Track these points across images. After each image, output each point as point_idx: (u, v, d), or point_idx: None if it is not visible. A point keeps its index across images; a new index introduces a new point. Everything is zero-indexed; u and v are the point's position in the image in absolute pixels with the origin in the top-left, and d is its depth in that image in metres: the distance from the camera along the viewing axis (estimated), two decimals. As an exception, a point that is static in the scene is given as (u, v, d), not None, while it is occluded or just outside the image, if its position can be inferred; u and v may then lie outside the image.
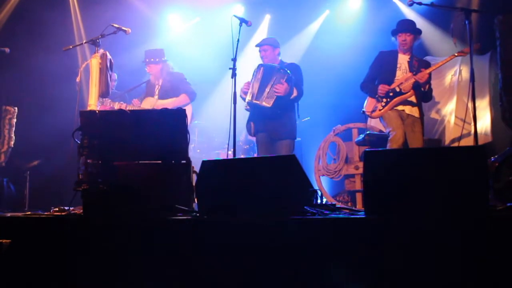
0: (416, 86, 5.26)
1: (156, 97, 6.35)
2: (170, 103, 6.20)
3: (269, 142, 5.68)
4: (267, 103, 5.44)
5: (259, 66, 5.63)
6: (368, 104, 5.50)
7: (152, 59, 6.37)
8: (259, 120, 5.68)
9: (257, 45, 5.93)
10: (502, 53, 4.70)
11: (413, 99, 5.28)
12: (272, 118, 5.58)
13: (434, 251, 2.52)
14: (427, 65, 5.42)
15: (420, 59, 5.51)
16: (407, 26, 5.43)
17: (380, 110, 5.32)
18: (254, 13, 8.49)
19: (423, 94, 5.37)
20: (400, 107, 5.33)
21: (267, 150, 5.67)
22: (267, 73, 5.53)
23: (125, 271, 3.06)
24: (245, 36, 5.58)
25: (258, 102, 5.48)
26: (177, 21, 9.06)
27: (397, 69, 5.38)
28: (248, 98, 5.52)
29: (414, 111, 5.32)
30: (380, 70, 5.48)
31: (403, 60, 5.41)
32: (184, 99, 6.33)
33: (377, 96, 5.38)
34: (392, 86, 5.29)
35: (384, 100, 5.30)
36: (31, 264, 3.20)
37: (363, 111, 5.51)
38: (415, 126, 5.27)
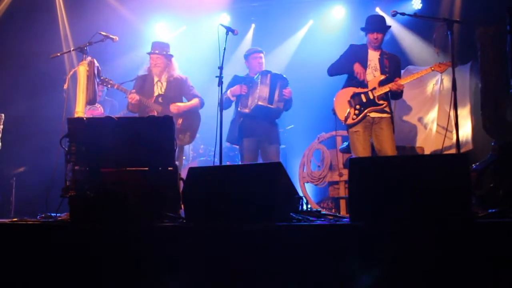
0: (390, 93, 5.23)
1: (158, 94, 5.91)
2: (188, 105, 5.99)
3: (259, 148, 5.80)
4: (279, 106, 5.76)
5: (266, 72, 5.79)
6: (339, 107, 5.31)
7: (160, 50, 5.90)
8: (251, 125, 5.77)
9: (253, 52, 6.10)
10: (482, 63, 4.81)
11: (387, 108, 5.21)
12: (270, 122, 5.84)
13: (418, 257, 2.56)
14: (398, 60, 5.40)
15: (390, 55, 5.38)
16: (380, 25, 5.30)
17: (353, 119, 5.18)
18: (240, 22, 8.53)
19: (394, 94, 5.28)
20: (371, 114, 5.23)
21: (255, 157, 5.76)
22: (274, 79, 5.75)
23: (111, 278, 3.06)
24: (231, 44, 5.62)
25: (272, 106, 5.69)
26: (164, 29, 9.08)
27: (367, 66, 5.27)
28: (261, 102, 5.62)
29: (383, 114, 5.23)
30: (351, 65, 5.30)
31: (373, 57, 5.31)
32: (198, 104, 6.04)
33: (349, 100, 5.24)
34: (365, 78, 5.18)
35: (358, 107, 5.18)
36: (18, 270, 3.19)
37: (333, 110, 5.36)
38: (383, 124, 5.17)
